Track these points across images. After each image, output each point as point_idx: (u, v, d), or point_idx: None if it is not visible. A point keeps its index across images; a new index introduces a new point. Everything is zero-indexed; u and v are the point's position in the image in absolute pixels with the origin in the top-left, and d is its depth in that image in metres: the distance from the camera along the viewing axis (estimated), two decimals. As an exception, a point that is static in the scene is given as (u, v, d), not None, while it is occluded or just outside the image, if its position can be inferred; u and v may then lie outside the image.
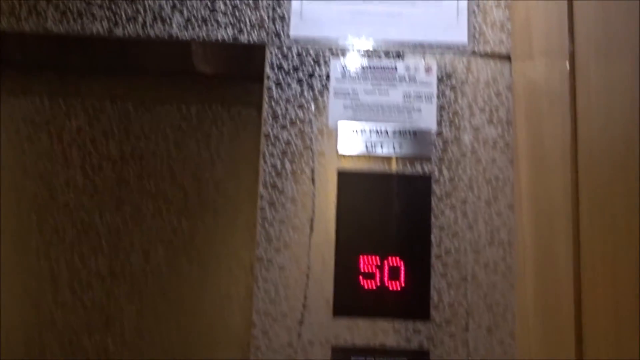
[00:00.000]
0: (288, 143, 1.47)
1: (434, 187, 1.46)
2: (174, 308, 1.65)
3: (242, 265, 1.65)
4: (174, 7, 1.53)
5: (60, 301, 1.64)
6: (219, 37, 1.53)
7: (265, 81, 1.50)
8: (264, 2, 1.53)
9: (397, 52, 1.52)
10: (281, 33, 1.52)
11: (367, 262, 1.42)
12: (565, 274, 1.21)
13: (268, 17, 1.53)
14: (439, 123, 1.49)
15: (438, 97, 1.50)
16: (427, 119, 1.48)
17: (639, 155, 1.00)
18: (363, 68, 1.51)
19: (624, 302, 1.03)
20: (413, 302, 1.42)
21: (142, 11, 1.54)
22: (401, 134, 1.47)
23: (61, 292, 1.65)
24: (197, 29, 1.53)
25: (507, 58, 1.52)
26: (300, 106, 1.49)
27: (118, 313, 1.65)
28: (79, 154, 1.70)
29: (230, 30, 1.53)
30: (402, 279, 1.42)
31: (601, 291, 1.10)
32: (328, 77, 1.50)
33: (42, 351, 1.63)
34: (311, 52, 1.51)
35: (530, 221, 1.38)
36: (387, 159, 1.47)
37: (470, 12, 1.54)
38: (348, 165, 1.46)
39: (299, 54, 1.51)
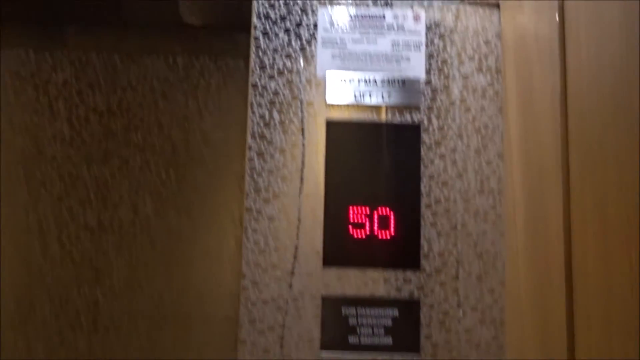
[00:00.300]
0: (276, 93, 1.46)
1: (423, 136, 1.45)
2: (164, 260, 1.65)
3: (231, 216, 1.65)
4: (159, -44, 1.52)
5: (49, 255, 1.64)
6: (205, -14, 1.51)
7: (253, 31, 1.49)
8: (250, -50, 1.52)
9: (385, 1, 1.50)
10: (268, -18, 1.51)
11: (356, 212, 1.41)
12: (554, 221, 1.21)
13: (254, -35, 1.51)
14: (428, 72, 1.48)
15: (427, 45, 1.49)
16: (416, 67, 1.47)
17: (631, 101, 1.00)
18: (351, 17, 1.49)
19: (614, 248, 1.03)
20: (403, 252, 1.42)
21: (127, -39, 1.52)
22: (390, 83, 1.46)
23: (50, 246, 1.64)
24: (182, -22, 1.51)
25: (496, 6, 1.51)
26: (288, 56, 1.47)
27: (107, 266, 1.65)
28: (66, 107, 1.69)
29: (216, -20, 1.51)
30: (392, 228, 1.41)
31: (591, 237, 1.10)
32: (316, 26, 1.49)
33: (32, 305, 1.63)
34: (298, 1, 1.50)
35: (520, 169, 1.38)
36: (376, 108, 1.46)
37: (459, -41, 1.53)
38: (337, 115, 1.46)
39: (286, 3, 1.50)
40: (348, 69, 1.47)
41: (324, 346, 1.38)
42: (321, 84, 1.46)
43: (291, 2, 1.49)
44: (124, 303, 1.63)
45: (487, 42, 1.49)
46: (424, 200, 1.43)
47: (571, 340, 1.15)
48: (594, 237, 1.09)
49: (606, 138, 1.06)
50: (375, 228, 1.41)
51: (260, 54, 1.47)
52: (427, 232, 1.42)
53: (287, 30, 1.48)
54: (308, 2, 1.49)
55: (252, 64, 1.47)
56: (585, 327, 1.11)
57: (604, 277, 1.06)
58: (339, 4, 1.49)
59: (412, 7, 1.50)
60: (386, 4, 1.50)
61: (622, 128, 1.01)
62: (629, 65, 0.99)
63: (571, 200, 1.17)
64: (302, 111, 1.45)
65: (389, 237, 1.41)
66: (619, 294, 1.01)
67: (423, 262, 1.41)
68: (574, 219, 1.16)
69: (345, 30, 1.48)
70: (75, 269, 1.63)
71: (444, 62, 1.48)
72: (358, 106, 1.46)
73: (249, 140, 1.44)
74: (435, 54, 1.48)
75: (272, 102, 1.45)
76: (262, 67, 1.47)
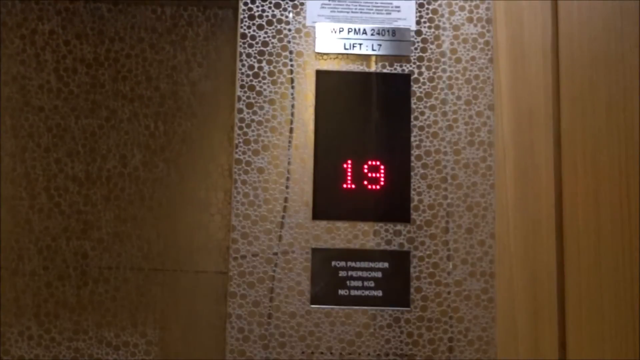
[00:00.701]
0: (265, 43, 1.45)
1: (414, 87, 1.44)
2: (153, 213, 1.65)
3: (220, 168, 1.64)
4: None
5: (37, 206, 1.63)
6: None
7: (241, -20, 1.47)
8: None
9: (376, -51, 1.49)
10: None
11: (346, 164, 1.41)
12: (545, 171, 1.20)
13: None
14: (418, 22, 1.46)
15: (417, -5, 1.47)
16: (406, 17, 1.46)
17: (622, 47, 0.99)
18: (341, -34, 1.48)
19: (604, 197, 1.02)
20: (393, 204, 1.41)
21: None
22: (380, 33, 1.45)
23: (38, 198, 1.63)
24: None
25: (488, -46, 1.50)
26: (278, 5, 1.46)
27: (96, 218, 1.64)
28: (53, 57, 1.67)
29: None
30: (382, 180, 1.41)
31: (581, 187, 1.09)
32: (305, -25, 1.47)
33: (20, 257, 1.62)
34: (288, -51, 1.48)
35: (511, 120, 1.37)
36: (365, 59, 1.45)
37: None
38: (326, 65, 1.44)
39: (275, -48, 1.48)
40: (338, 18, 1.45)
41: (314, 299, 1.38)
42: (311, 34, 1.45)
43: (280, -49, 1.47)
44: (113, 255, 1.63)
45: (478, -8, 1.48)
46: (413, 152, 1.42)
47: (561, 291, 1.15)
48: (585, 187, 1.09)
49: (597, 86, 1.05)
50: (365, 181, 1.41)
51: (249, 3, 1.46)
52: (417, 184, 1.41)
53: (276, -20, 1.47)
54: (297, -50, 1.47)
55: (241, 14, 1.46)
56: (576, 278, 1.11)
57: (594, 227, 1.05)
58: (328, -48, 1.48)
59: (403, -44, 1.48)
60: (377, -47, 1.48)
61: (613, 75, 1.00)
62: (622, 10, 0.99)
63: (562, 150, 1.17)
64: (291, 61, 1.44)
65: (379, 189, 1.41)
66: (609, 243, 1.01)
67: (413, 214, 1.41)
68: (565, 169, 1.16)
69: (335, -20, 1.47)
70: (64, 221, 1.63)
71: (435, 12, 1.47)
72: (348, 56, 1.44)
73: (238, 91, 1.43)
74: (425, 4, 1.46)
75: (261, 53, 1.44)
76: (251, 17, 1.45)
